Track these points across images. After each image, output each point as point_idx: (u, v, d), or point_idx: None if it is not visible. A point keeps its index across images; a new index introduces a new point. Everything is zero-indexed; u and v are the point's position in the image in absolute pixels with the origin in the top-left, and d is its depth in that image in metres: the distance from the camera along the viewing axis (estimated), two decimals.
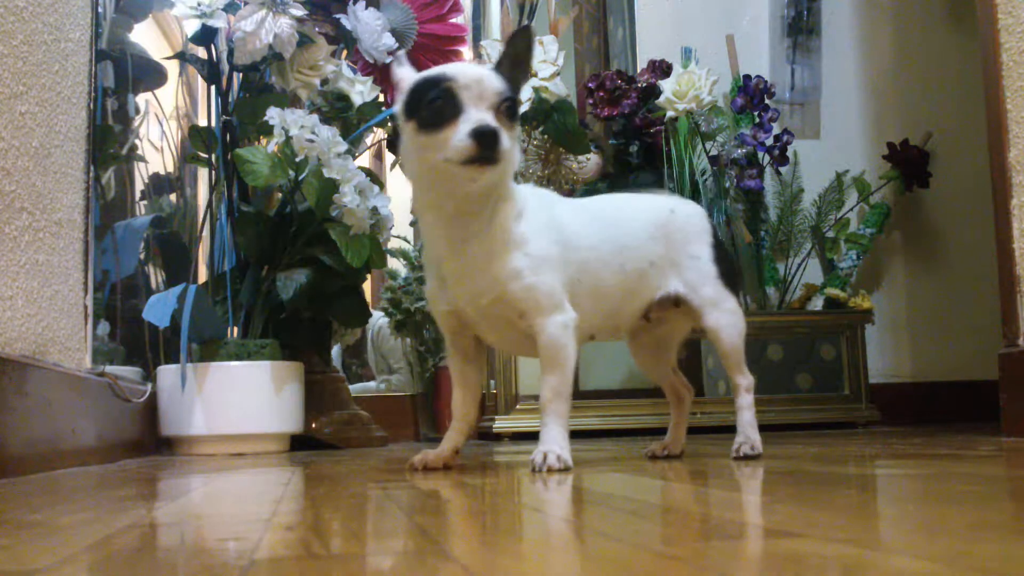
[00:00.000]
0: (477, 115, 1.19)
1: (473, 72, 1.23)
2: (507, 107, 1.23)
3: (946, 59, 3.16)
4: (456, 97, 1.20)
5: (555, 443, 1.25)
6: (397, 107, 1.29)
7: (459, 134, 1.18)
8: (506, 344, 1.41)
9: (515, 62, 1.30)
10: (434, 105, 1.21)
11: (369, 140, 2.88)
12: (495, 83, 1.22)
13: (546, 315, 1.27)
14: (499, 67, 1.28)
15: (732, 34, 3.09)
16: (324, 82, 2.45)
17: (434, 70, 1.26)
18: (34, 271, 1.60)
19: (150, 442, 2.21)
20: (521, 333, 1.31)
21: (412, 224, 3.35)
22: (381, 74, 2.64)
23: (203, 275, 2.55)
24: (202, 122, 2.96)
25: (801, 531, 0.65)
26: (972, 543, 0.59)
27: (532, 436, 2.58)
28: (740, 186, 2.84)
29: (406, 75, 1.31)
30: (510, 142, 1.22)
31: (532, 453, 1.25)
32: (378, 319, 3.35)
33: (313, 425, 2.43)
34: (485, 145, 1.18)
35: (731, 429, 1.51)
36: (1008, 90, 1.91)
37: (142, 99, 2.88)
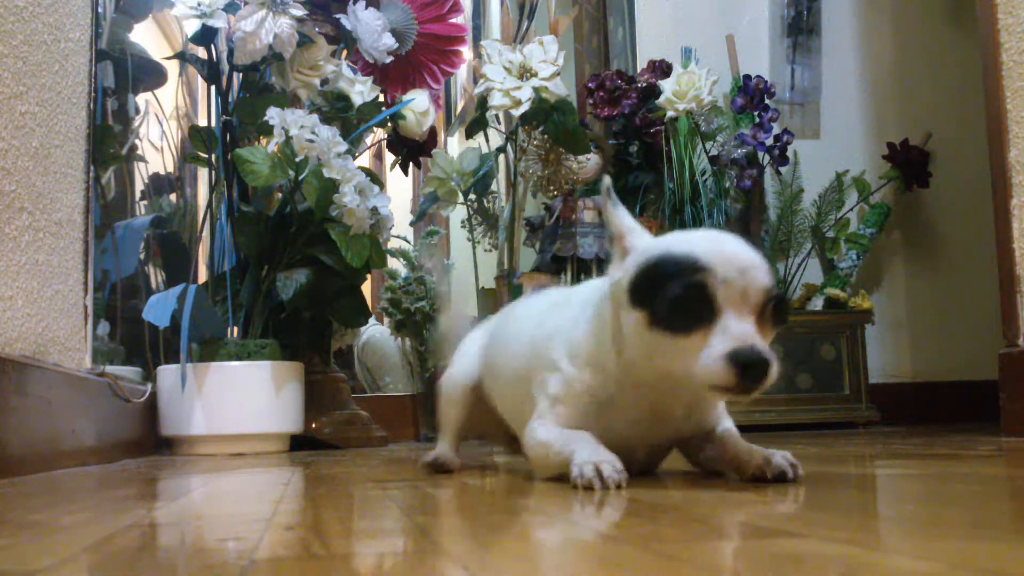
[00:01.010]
0: (738, 328, 0.88)
1: (737, 259, 0.90)
2: (775, 307, 0.91)
3: (946, 59, 3.16)
4: (710, 297, 0.89)
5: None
6: (617, 274, 0.99)
7: (711, 353, 0.88)
8: (652, 456, 1.18)
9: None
10: (678, 305, 0.89)
11: (369, 140, 2.88)
12: (764, 275, 0.90)
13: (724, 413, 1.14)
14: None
15: (732, 34, 3.09)
16: (324, 82, 2.46)
17: (680, 245, 0.93)
18: (34, 271, 1.60)
19: (150, 442, 2.21)
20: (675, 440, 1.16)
21: (412, 224, 3.35)
22: (381, 74, 2.64)
23: (203, 275, 2.55)
24: (202, 122, 2.96)
25: (801, 531, 0.65)
26: (972, 543, 0.59)
27: None
28: (740, 186, 2.84)
29: (635, 240, 0.99)
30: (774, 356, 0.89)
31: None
32: (364, 333, 3.33)
33: (313, 425, 2.43)
34: (749, 378, 0.88)
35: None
36: (1008, 90, 1.91)
37: (142, 99, 2.88)
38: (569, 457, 1.01)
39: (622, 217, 1.01)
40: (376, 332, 3.42)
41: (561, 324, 1.13)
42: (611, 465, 0.97)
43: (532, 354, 1.15)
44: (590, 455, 0.99)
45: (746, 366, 0.87)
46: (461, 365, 1.42)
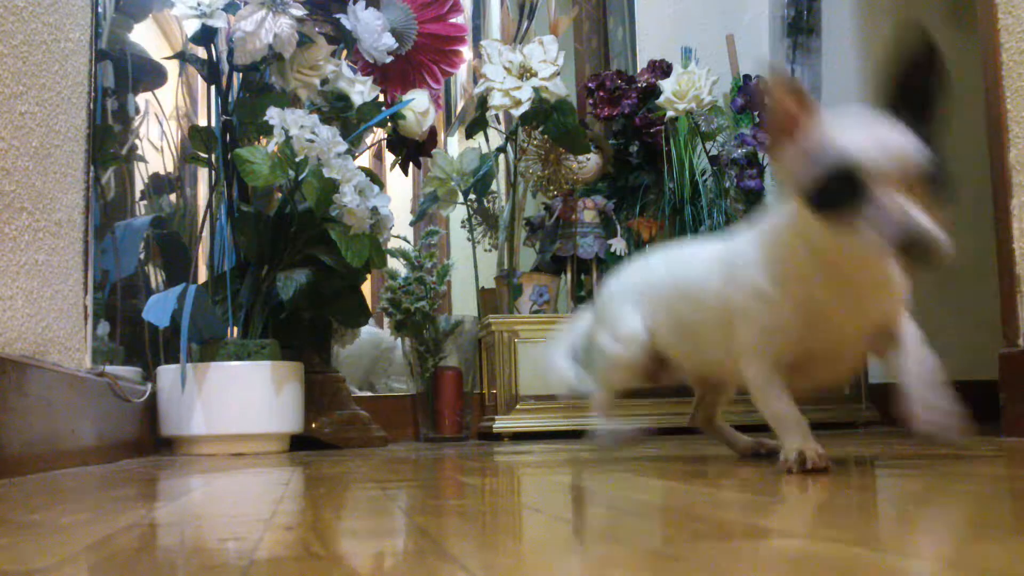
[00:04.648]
0: (891, 202, 0.93)
1: (884, 144, 0.95)
2: (932, 181, 0.97)
3: (946, 59, 3.15)
4: (861, 184, 0.94)
5: None
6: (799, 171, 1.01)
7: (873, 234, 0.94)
8: (837, 372, 1.29)
9: (920, 95, 1.05)
10: (828, 190, 0.95)
11: (369, 140, 2.88)
12: (916, 155, 0.96)
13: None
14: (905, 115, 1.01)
15: (732, 34, 3.09)
16: (324, 82, 2.45)
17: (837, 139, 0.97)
18: (34, 271, 1.60)
19: (150, 442, 2.21)
20: (860, 357, 1.27)
21: (412, 224, 3.35)
22: (381, 74, 2.64)
23: (203, 275, 2.55)
24: (202, 122, 2.96)
25: (801, 531, 0.65)
26: (972, 543, 0.59)
27: (532, 436, 2.57)
28: (740, 186, 2.84)
29: (816, 130, 1.00)
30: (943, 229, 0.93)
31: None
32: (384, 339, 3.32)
33: (313, 425, 2.42)
34: (915, 256, 0.96)
35: (743, 429, 1.50)
36: (1008, 90, 1.91)
37: (142, 99, 2.88)
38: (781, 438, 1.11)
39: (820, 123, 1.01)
40: None
41: (743, 246, 1.17)
42: (815, 451, 1.07)
43: (727, 278, 1.19)
44: (800, 442, 1.08)
45: (909, 247, 0.94)
46: (628, 322, 1.36)
